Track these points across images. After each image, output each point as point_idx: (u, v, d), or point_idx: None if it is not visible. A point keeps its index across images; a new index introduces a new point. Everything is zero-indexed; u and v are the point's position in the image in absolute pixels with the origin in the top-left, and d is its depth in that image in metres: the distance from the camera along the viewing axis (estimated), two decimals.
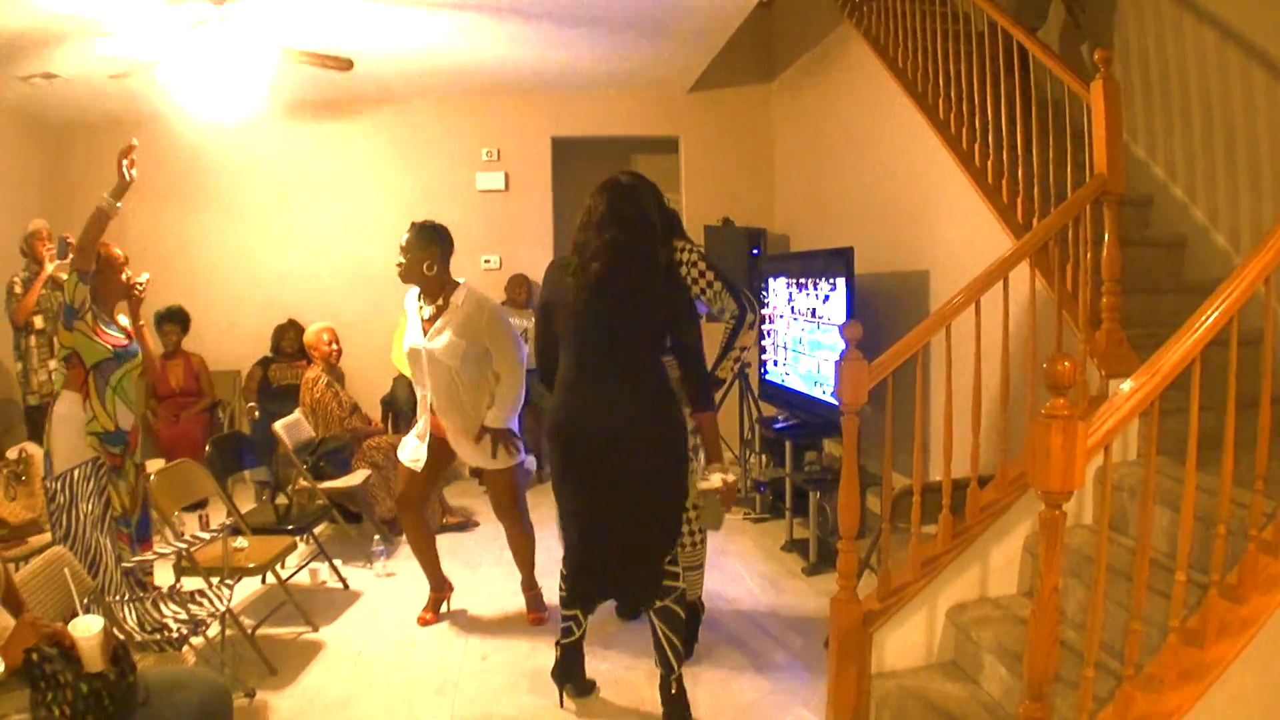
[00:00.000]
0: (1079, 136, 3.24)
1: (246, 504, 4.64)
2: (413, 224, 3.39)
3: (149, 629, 2.73)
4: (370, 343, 5.97)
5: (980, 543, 2.83)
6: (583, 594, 2.82)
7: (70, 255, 3.53)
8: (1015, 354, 2.90)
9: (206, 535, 3.24)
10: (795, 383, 4.78)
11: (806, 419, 4.62)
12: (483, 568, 4.29)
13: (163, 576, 3.41)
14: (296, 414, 4.70)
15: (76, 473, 2.85)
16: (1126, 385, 1.97)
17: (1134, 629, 1.98)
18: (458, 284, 3.41)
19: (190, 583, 3.08)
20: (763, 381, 5.28)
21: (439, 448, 3.53)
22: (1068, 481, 1.74)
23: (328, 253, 6.39)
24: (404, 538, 4.05)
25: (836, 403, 2.69)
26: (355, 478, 4.61)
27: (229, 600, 2.95)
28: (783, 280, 4.93)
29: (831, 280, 4.29)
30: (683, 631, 2.76)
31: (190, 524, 3.84)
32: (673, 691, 2.71)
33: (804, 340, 4.67)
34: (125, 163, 3.10)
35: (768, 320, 5.09)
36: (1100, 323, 2.98)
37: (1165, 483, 2.48)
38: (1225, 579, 2.09)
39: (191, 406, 5.65)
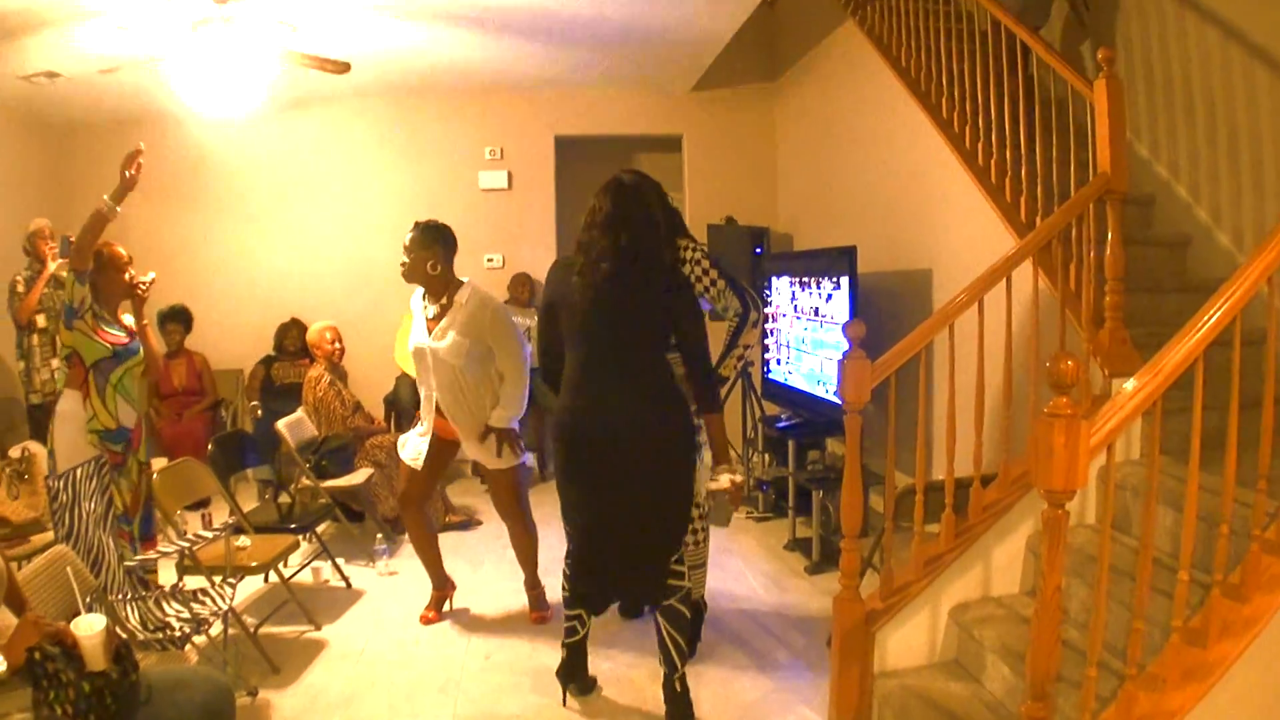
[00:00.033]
0: (1082, 135, 3.24)
1: (249, 503, 4.64)
2: (416, 223, 3.38)
3: (151, 628, 2.74)
4: (373, 341, 5.98)
5: (983, 542, 2.83)
6: (585, 594, 2.82)
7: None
8: (1018, 353, 2.90)
9: (209, 534, 3.24)
10: (798, 381, 4.78)
11: (809, 418, 4.62)
12: (485, 566, 4.29)
13: (165, 575, 3.42)
14: (299, 413, 4.70)
15: (79, 471, 2.86)
16: (1129, 384, 1.97)
17: (1137, 628, 1.98)
18: (462, 283, 3.40)
19: (193, 581, 3.08)
20: (766, 380, 5.28)
21: (440, 446, 3.53)
22: (1071, 481, 1.74)
23: (330, 251, 6.38)
24: (406, 536, 4.06)
25: (839, 402, 2.69)
26: (358, 476, 4.61)
27: (231, 599, 2.95)
28: (786, 279, 4.93)
29: (835, 279, 4.28)
30: (687, 631, 2.76)
31: (193, 523, 3.84)
32: (676, 690, 2.71)
33: (807, 339, 4.66)
34: (130, 170, 3.11)
35: (771, 319, 5.09)
36: (1103, 322, 2.98)
37: (1168, 482, 2.47)
38: (1228, 579, 2.09)
39: (194, 405, 5.65)
